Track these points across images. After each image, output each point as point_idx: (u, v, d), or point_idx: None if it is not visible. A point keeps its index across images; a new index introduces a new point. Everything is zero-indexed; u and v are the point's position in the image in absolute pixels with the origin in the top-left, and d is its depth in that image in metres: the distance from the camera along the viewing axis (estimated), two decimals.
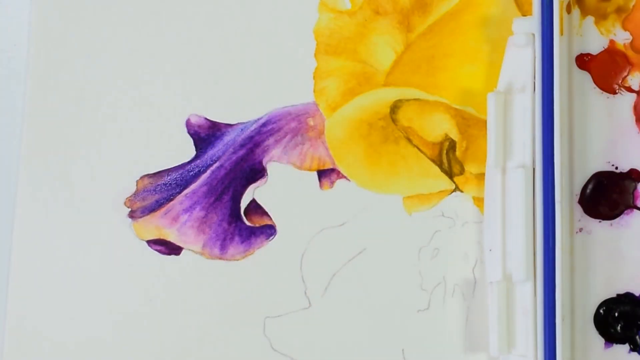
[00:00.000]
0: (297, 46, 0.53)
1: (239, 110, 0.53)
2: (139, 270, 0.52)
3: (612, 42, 0.51)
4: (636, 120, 0.51)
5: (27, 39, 0.53)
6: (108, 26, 0.54)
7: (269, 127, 0.52)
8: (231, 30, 0.53)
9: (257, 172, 0.52)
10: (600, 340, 0.49)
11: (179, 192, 0.52)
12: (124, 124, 0.53)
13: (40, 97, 0.53)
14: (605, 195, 0.50)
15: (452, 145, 0.52)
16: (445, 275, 0.51)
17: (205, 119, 0.53)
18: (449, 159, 0.51)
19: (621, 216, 0.50)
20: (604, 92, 0.51)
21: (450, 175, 0.52)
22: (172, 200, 0.52)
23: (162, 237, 0.52)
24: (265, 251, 0.52)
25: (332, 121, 0.52)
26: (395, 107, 0.52)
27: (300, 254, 0.51)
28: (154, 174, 0.53)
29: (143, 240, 0.52)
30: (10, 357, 0.51)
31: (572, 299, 0.49)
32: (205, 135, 0.52)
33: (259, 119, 0.52)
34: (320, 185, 0.52)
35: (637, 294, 0.49)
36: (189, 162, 0.53)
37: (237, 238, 0.52)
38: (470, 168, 0.51)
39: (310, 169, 0.52)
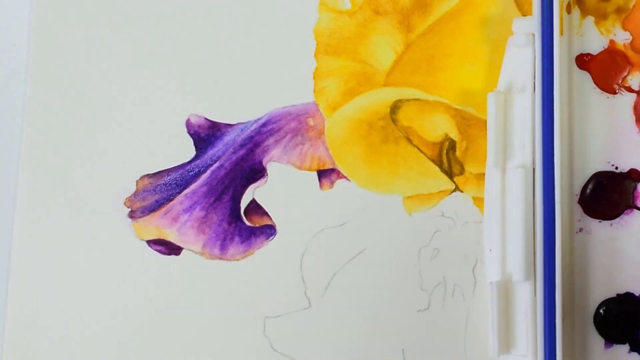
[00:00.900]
0: (297, 46, 0.53)
1: (239, 110, 0.53)
2: (139, 270, 0.52)
3: (612, 42, 0.51)
4: (636, 120, 0.51)
5: (27, 39, 0.53)
6: (108, 26, 0.53)
7: (269, 127, 0.52)
8: (231, 30, 0.53)
9: (257, 172, 0.52)
10: (600, 340, 0.49)
11: (179, 192, 0.52)
12: (124, 124, 0.53)
13: (40, 97, 0.53)
14: (605, 195, 0.50)
15: (452, 145, 0.51)
16: (445, 276, 0.51)
17: (205, 119, 0.53)
18: (449, 159, 0.51)
19: (621, 216, 0.50)
20: (604, 92, 0.51)
21: (450, 175, 0.51)
22: (172, 200, 0.52)
23: (162, 237, 0.52)
24: (265, 251, 0.52)
25: (332, 121, 0.52)
26: (395, 107, 0.52)
27: (300, 254, 0.51)
28: (154, 174, 0.52)
29: (143, 240, 0.52)
30: (11, 357, 0.51)
31: (572, 299, 0.49)
32: (205, 135, 0.52)
33: (259, 119, 0.52)
34: (320, 186, 0.52)
35: (637, 294, 0.49)
36: (189, 162, 0.52)
37: (237, 238, 0.52)
38: (470, 168, 0.51)
39: (310, 169, 0.52)
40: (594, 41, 0.51)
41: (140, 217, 0.52)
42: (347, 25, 0.53)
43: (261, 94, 0.52)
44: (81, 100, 0.53)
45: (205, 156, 0.52)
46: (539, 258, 0.47)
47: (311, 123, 0.52)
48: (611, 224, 0.50)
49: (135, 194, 0.52)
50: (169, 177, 0.52)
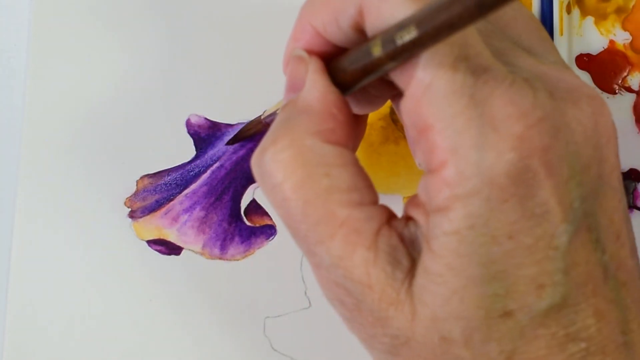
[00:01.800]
0: None
1: (239, 110, 0.53)
2: (139, 270, 0.52)
3: (612, 42, 0.52)
4: (636, 121, 0.51)
5: (27, 39, 0.53)
6: (108, 26, 0.53)
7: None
8: (231, 29, 0.53)
9: None
10: None
11: (179, 192, 0.52)
12: (124, 124, 0.53)
13: (40, 97, 0.53)
14: None
15: None
16: None
17: (205, 119, 0.53)
18: None
19: None
20: (604, 92, 0.51)
21: None
22: (172, 200, 0.52)
23: (162, 237, 0.52)
24: (265, 251, 0.52)
25: None
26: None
27: (301, 254, 0.51)
28: (154, 174, 0.52)
29: (143, 240, 0.52)
30: (11, 357, 0.51)
31: None
32: (205, 135, 0.52)
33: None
34: None
35: None
36: (189, 162, 0.52)
37: (237, 238, 0.52)
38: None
39: None
40: (594, 41, 0.51)
41: (140, 217, 0.52)
42: None
43: (261, 93, 0.52)
44: (81, 100, 0.53)
45: (206, 156, 0.52)
46: None
47: None
48: None
49: (135, 194, 0.52)
50: (169, 177, 0.52)
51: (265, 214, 0.52)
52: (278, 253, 0.52)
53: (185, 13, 0.53)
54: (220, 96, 0.53)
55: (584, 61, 0.51)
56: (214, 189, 0.52)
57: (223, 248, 0.52)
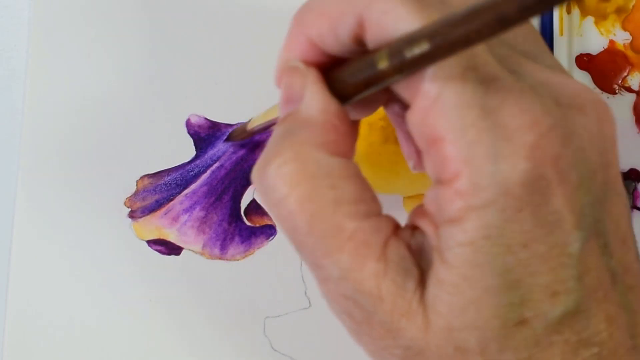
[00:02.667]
0: None
1: (239, 110, 0.53)
2: (139, 270, 0.52)
3: (612, 42, 0.52)
4: (636, 121, 0.51)
5: (27, 39, 0.53)
6: (107, 26, 0.53)
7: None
8: (231, 29, 0.53)
9: None
10: None
11: (179, 192, 0.52)
12: (124, 124, 0.53)
13: (40, 97, 0.53)
14: None
15: None
16: None
17: (205, 119, 0.53)
18: None
19: None
20: (604, 92, 0.52)
21: None
22: (172, 200, 0.52)
23: (162, 237, 0.52)
24: (265, 251, 0.52)
25: None
26: None
27: (299, 259, 0.50)
28: (154, 174, 0.52)
29: (143, 240, 0.52)
30: (11, 357, 0.51)
31: None
32: (205, 135, 0.52)
33: None
34: None
35: None
36: (189, 162, 0.53)
37: (237, 238, 0.52)
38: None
39: None
40: (594, 41, 0.52)
41: (140, 217, 0.52)
42: None
43: (261, 93, 0.52)
44: (81, 100, 0.53)
45: (205, 156, 0.52)
46: None
47: None
48: None
49: (135, 194, 0.52)
50: (168, 177, 0.52)
51: (265, 214, 0.52)
52: (278, 253, 0.52)
53: (186, 12, 0.53)
54: (220, 96, 0.53)
55: (584, 61, 0.51)
56: (214, 189, 0.52)
57: (223, 248, 0.52)
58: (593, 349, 0.36)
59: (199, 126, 0.53)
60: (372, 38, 0.36)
